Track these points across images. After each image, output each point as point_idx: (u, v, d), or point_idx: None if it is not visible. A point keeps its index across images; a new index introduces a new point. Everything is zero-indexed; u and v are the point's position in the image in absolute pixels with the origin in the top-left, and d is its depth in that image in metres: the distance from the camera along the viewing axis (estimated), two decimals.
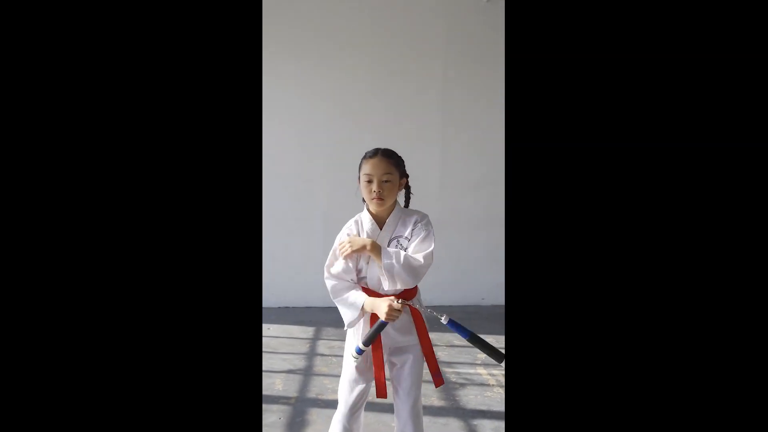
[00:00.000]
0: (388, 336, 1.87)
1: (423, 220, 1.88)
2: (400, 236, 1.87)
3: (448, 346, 3.78)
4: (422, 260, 1.80)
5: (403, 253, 1.80)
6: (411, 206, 1.97)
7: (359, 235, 1.88)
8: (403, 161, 1.91)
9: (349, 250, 1.82)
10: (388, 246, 1.86)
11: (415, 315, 1.87)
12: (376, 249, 1.81)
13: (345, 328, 1.89)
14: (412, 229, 1.86)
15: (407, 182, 1.94)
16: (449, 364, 3.42)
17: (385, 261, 1.78)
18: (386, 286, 1.80)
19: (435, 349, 3.67)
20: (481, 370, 3.33)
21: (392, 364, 1.93)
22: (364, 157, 1.88)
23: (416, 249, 1.83)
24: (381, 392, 1.85)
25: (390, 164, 1.84)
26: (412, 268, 1.79)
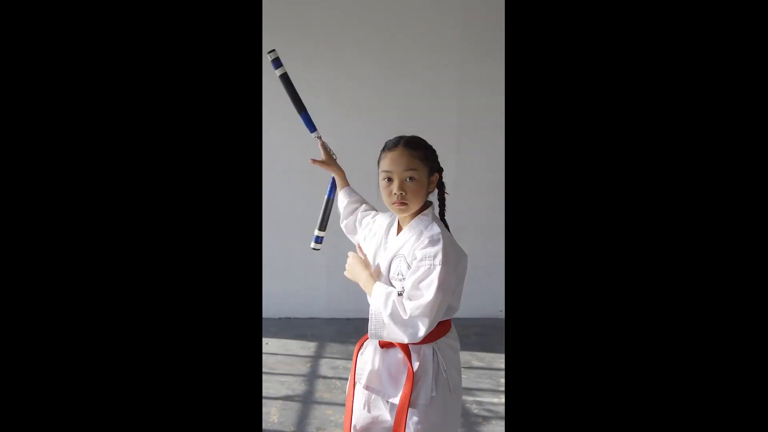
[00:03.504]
0: (378, 378, 1.45)
1: (434, 245, 1.36)
2: (403, 255, 1.42)
3: (467, 367, 3.36)
4: (406, 316, 1.32)
5: (394, 297, 1.36)
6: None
7: (379, 227, 1.56)
8: (434, 152, 1.47)
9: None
10: (391, 262, 1.44)
11: (409, 368, 1.41)
12: (369, 285, 1.43)
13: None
14: (414, 254, 1.39)
15: (440, 179, 1.49)
16: (468, 390, 3.01)
17: (372, 304, 1.39)
18: (369, 330, 1.39)
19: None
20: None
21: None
22: (384, 149, 1.46)
23: (408, 293, 1.35)
24: None
25: (414, 157, 1.40)
26: (401, 323, 1.33)
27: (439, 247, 1.35)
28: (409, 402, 1.38)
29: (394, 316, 1.32)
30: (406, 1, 4.34)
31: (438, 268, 1.32)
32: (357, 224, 1.74)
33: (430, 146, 1.47)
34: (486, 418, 2.69)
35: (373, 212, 1.72)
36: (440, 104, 4.43)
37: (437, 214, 1.51)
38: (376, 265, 1.50)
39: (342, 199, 1.81)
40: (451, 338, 1.48)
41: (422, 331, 1.31)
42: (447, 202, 1.54)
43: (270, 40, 3.97)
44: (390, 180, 1.40)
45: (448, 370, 1.43)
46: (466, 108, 4.47)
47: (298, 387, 3.01)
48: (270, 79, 4.19)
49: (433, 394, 1.41)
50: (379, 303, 1.35)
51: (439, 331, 1.41)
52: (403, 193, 1.39)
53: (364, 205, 1.78)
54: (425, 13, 4.36)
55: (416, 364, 1.41)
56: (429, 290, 1.31)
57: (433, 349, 1.42)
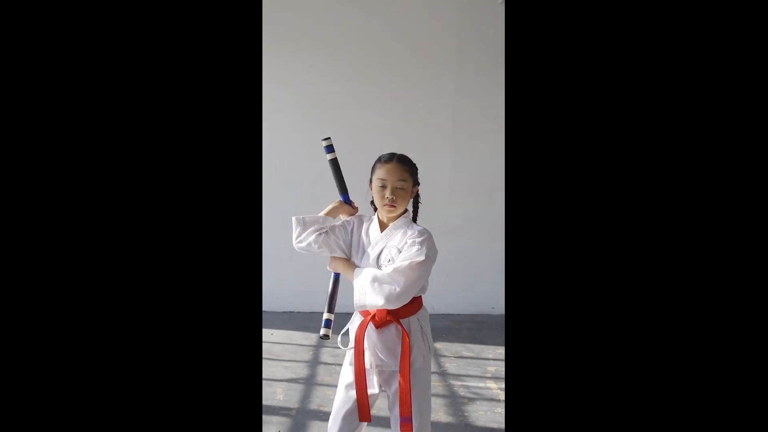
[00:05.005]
0: (374, 352, 1.74)
1: (422, 236, 1.73)
2: (393, 246, 1.76)
3: (456, 357, 3.65)
4: (387, 272, 1.65)
5: (375, 271, 1.69)
6: (420, 215, 1.89)
7: (359, 232, 1.84)
8: (417, 169, 1.83)
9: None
10: (380, 255, 1.77)
11: (404, 336, 1.71)
12: (350, 268, 1.78)
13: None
14: (406, 241, 1.73)
15: (417, 191, 1.85)
16: (457, 376, 3.29)
17: (356, 279, 1.73)
18: (354, 300, 1.71)
19: (442, 360, 3.59)
20: (491, 384, 3.19)
21: (386, 395, 1.78)
22: (379, 161, 1.81)
23: (397, 262, 1.69)
24: (363, 415, 1.72)
25: (405, 170, 1.76)
26: (379, 282, 1.65)
27: (425, 237, 1.73)
28: (410, 363, 1.70)
29: (375, 280, 1.65)
30: (404, 16, 4.60)
31: (424, 252, 1.68)
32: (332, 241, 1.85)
33: (415, 164, 1.82)
34: (471, 400, 2.98)
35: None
36: (437, 111, 4.69)
37: (411, 218, 1.86)
38: (360, 253, 1.82)
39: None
40: (425, 310, 1.83)
41: (398, 290, 1.62)
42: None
43: (270, 51, 4.25)
44: (384, 186, 1.75)
45: (429, 333, 1.79)
46: (460, 118, 4.72)
47: (301, 371, 3.29)
48: (270, 79, 4.45)
49: (425, 353, 1.75)
50: (362, 274, 1.70)
51: (416, 304, 1.76)
52: (394, 198, 1.74)
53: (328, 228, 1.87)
54: (422, 27, 4.61)
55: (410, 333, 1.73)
56: (415, 256, 1.66)
57: (417, 318, 1.77)
